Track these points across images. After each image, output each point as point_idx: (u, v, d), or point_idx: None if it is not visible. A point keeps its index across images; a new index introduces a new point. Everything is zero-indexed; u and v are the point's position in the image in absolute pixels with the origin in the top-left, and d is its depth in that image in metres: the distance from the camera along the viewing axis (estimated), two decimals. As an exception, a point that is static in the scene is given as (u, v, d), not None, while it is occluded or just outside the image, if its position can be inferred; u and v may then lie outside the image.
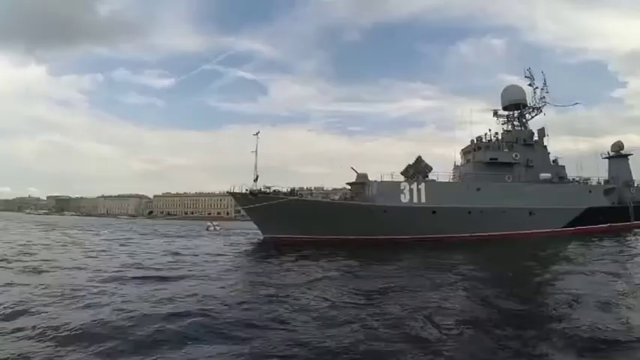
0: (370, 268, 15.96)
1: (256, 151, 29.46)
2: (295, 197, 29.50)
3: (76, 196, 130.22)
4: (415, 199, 28.88)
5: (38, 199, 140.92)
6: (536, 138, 33.89)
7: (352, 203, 29.78)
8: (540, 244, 25.12)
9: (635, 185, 37.24)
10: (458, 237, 27.78)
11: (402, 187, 29.05)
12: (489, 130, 34.07)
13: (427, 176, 31.00)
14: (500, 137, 33.06)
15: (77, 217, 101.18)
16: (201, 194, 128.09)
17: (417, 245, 24.81)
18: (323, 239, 25.87)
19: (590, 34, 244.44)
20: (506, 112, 35.54)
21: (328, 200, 30.44)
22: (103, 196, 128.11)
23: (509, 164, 31.20)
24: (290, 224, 27.89)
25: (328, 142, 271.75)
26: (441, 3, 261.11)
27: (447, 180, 32.02)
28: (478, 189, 29.68)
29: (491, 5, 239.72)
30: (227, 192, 30.74)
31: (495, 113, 35.15)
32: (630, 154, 38.47)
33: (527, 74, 35.77)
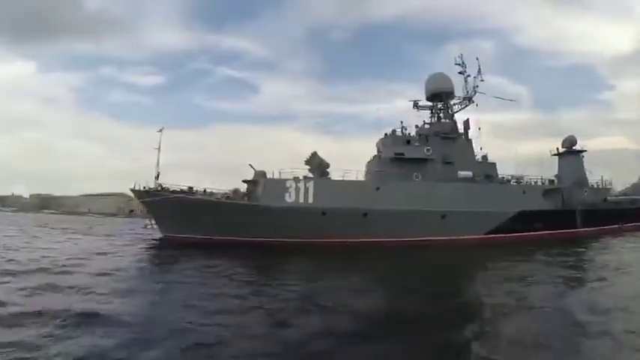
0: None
1: (159, 148, 27.39)
2: (180, 195, 26.03)
3: (59, 194, 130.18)
4: (302, 199, 24.79)
5: (20, 197, 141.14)
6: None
7: (233, 203, 26.13)
8: (445, 253, 21.38)
9: (591, 186, 32.04)
10: (351, 242, 23.48)
11: (287, 186, 25.01)
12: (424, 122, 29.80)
13: (324, 174, 26.74)
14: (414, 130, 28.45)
15: (50, 215, 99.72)
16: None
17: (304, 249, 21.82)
18: (219, 240, 23.31)
19: (577, 37, 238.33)
20: (429, 103, 30.88)
21: (208, 199, 26.37)
22: (84, 195, 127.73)
23: (420, 160, 26.60)
24: (184, 223, 25.44)
25: (313, 142, 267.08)
26: (427, 4, 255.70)
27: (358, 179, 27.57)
28: (377, 188, 25.30)
29: (477, 7, 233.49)
30: (130, 189, 28.05)
31: (415, 104, 30.52)
32: (583, 151, 33.19)
33: (458, 61, 31.13)
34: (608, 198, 31.18)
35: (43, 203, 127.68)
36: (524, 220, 26.29)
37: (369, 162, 29.64)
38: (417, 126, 28.75)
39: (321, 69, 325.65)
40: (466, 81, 30.79)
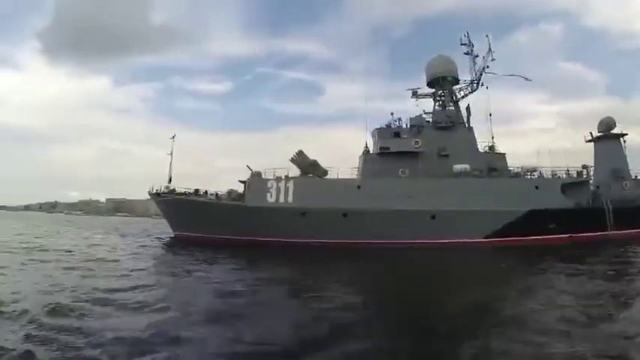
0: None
1: (172, 154, 29.69)
2: (183, 196, 27.92)
3: (132, 198, 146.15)
4: (282, 199, 24.60)
5: (98, 202, 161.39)
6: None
7: (222, 203, 27.07)
8: (429, 258, 18.78)
9: (636, 178, 26.66)
10: (332, 243, 22.65)
11: (269, 186, 25.00)
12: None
13: (308, 172, 26.12)
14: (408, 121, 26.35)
15: (120, 217, 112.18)
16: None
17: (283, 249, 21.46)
18: (221, 239, 23.92)
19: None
20: (430, 90, 28.32)
21: (205, 200, 27.53)
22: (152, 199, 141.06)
23: (407, 154, 24.54)
24: (191, 223, 26.91)
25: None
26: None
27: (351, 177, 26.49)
28: (358, 186, 24.00)
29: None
30: (147, 192, 31.18)
31: (415, 93, 28.13)
32: (623, 135, 27.64)
33: (465, 41, 28.13)
34: None
35: (117, 207, 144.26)
36: (537, 220, 22.46)
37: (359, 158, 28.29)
38: (410, 118, 26.63)
39: (384, 67, 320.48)
40: (474, 62, 27.73)
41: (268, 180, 25.18)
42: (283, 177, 25.15)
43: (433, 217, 22.75)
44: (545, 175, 25.23)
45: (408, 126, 25.92)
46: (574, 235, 22.92)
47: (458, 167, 23.91)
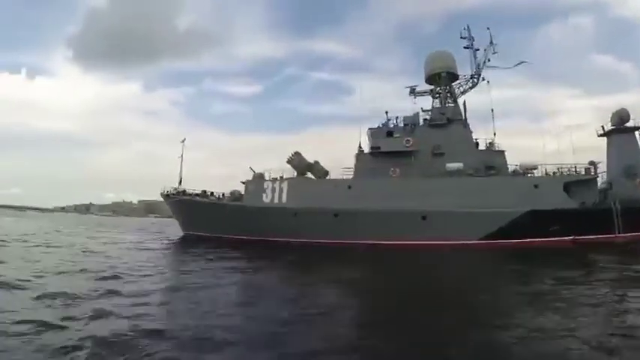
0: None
1: (182, 157, 31.69)
2: (188, 197, 29.48)
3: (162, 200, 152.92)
4: (276, 199, 25.35)
5: (130, 203, 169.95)
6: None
7: (222, 203, 28.43)
8: (412, 262, 18.06)
9: (650, 173, 24.79)
10: (324, 243, 23.03)
11: (265, 187, 25.86)
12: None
13: (305, 173, 26.63)
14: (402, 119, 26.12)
15: (149, 218, 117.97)
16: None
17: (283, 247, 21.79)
18: (226, 238, 25.28)
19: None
20: (429, 87, 27.84)
21: (206, 200, 28.83)
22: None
23: (399, 154, 24.35)
24: (197, 223, 28.54)
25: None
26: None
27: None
28: (349, 187, 24.18)
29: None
30: (160, 193, 33.08)
31: (413, 91, 27.75)
32: (638, 128, 25.73)
33: (465, 34, 27.44)
34: None
35: (149, 208, 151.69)
36: (537, 221, 21.33)
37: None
38: (404, 117, 26.38)
39: (412, 64, 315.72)
40: (475, 56, 26.99)
41: (264, 181, 25.97)
42: (279, 178, 25.83)
43: (424, 217, 22.45)
44: (550, 174, 24.08)
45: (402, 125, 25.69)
46: (578, 237, 21.69)
47: (451, 166, 23.44)
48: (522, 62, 26.83)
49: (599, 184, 25.17)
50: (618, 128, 25.79)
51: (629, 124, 25.62)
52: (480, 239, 22.13)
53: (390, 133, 25.24)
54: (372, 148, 25.00)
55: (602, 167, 25.13)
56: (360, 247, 21.48)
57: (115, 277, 10.61)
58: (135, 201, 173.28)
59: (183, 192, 29.59)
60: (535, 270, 13.94)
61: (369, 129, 25.95)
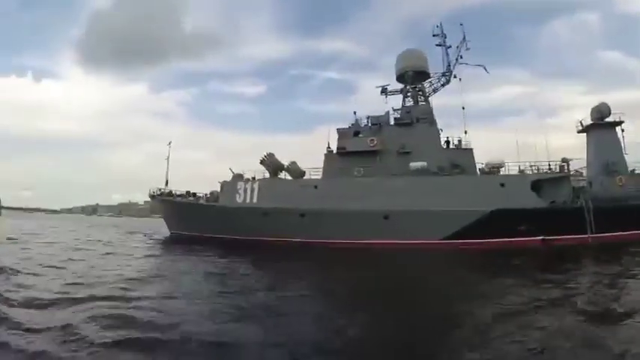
0: None
1: (168, 159, 33.43)
2: (170, 198, 31.14)
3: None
4: (248, 200, 26.34)
5: (137, 204, 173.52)
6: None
7: (199, 204, 29.64)
8: (372, 259, 18.55)
9: (632, 172, 23.67)
10: (292, 242, 23.86)
11: (238, 187, 26.87)
12: None
13: (277, 174, 27.45)
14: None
15: (153, 219, 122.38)
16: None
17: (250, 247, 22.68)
18: (205, 237, 26.39)
19: None
20: (400, 86, 27.79)
21: (185, 201, 30.32)
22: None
23: (364, 153, 24.61)
24: (179, 222, 30.27)
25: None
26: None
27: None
28: (315, 187, 24.75)
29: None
30: (148, 194, 34.94)
31: (384, 90, 27.80)
32: (619, 123, 24.40)
33: (437, 31, 27.14)
34: None
35: (154, 209, 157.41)
36: (503, 221, 20.86)
37: None
38: (371, 117, 26.52)
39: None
40: (447, 54, 26.69)
41: (238, 181, 27.02)
42: (251, 179, 26.82)
43: (386, 217, 22.67)
44: (524, 172, 23.49)
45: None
46: (548, 237, 21.20)
47: (414, 165, 23.44)
48: (482, 66, 26.28)
49: (582, 182, 24.42)
50: (597, 124, 24.69)
51: (610, 119, 24.49)
52: (443, 239, 22.12)
53: (357, 133, 25.54)
54: (338, 148, 25.41)
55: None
56: (324, 246, 22.12)
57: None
58: (141, 202, 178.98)
59: (169, 193, 31.14)
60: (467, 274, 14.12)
61: (338, 129, 26.31)
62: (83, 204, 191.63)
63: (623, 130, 24.33)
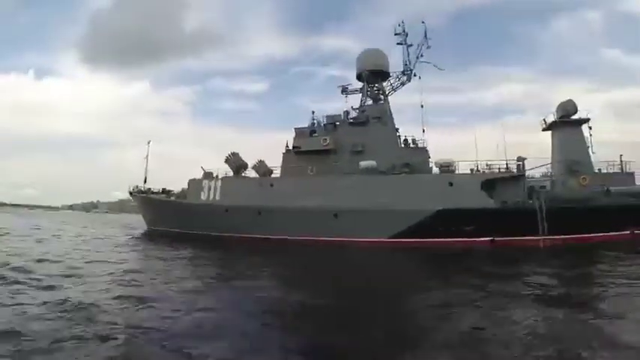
0: None
1: (147, 157, 34.75)
2: (144, 195, 32.94)
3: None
4: (212, 197, 27.43)
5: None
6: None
7: (168, 200, 31.00)
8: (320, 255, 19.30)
9: (598, 172, 22.42)
10: (250, 238, 24.74)
11: (203, 185, 28.05)
12: None
13: (240, 172, 28.32)
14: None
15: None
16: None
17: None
18: (176, 232, 27.78)
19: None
20: (359, 85, 27.76)
21: (157, 198, 31.83)
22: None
23: (317, 152, 24.92)
24: (154, 218, 32.04)
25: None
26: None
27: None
28: (271, 185, 25.41)
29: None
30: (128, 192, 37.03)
31: (345, 90, 27.87)
32: (586, 120, 23.00)
33: (399, 30, 26.84)
34: (612, 189, 20.82)
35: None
36: (449, 221, 20.67)
37: None
38: (326, 116, 26.76)
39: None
40: (408, 53, 26.39)
41: (203, 179, 28.17)
42: (214, 177, 27.89)
43: (335, 215, 22.96)
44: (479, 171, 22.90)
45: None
46: (497, 239, 20.71)
47: (364, 164, 23.47)
48: (436, 66, 25.67)
49: (547, 182, 23.48)
50: (562, 121, 23.52)
51: (575, 116, 23.25)
52: (390, 238, 22.15)
53: (312, 133, 25.90)
54: (294, 147, 25.91)
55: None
56: (279, 242, 22.93)
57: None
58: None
59: (148, 190, 32.81)
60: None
61: (295, 128, 26.77)
62: (84, 201, 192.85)
63: (590, 128, 23.04)
